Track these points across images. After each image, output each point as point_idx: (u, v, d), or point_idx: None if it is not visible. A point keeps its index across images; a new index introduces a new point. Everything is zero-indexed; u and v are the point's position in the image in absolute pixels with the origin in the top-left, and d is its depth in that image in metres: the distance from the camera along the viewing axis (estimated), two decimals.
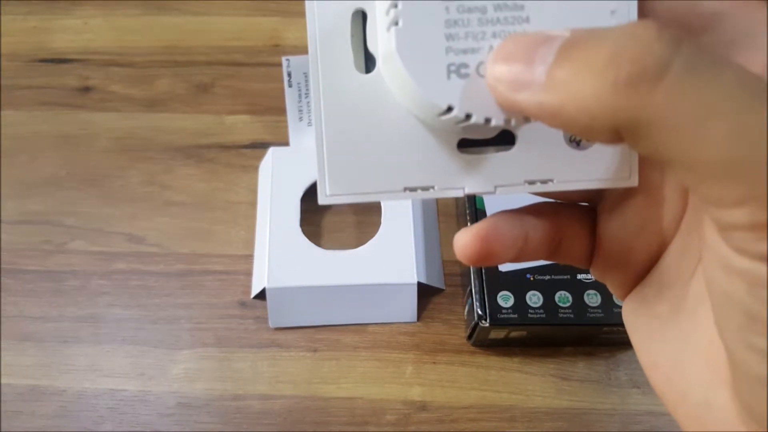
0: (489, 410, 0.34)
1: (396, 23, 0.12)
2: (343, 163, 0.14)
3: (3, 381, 0.35)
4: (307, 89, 0.37)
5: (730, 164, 0.10)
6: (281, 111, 0.40)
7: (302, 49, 0.45)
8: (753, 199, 0.10)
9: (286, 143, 0.39)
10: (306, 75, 0.36)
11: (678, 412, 0.14)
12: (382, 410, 0.34)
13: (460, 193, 0.14)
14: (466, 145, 0.14)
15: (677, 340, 0.14)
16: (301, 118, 0.38)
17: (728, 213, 0.10)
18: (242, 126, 0.43)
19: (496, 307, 0.32)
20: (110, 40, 0.46)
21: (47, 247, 0.39)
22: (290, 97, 0.37)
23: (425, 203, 0.38)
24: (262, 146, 0.41)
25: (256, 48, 0.46)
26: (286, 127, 0.38)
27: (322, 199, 0.14)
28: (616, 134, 0.11)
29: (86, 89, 0.44)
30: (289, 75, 0.36)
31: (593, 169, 0.14)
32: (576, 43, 0.11)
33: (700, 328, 0.13)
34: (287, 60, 0.36)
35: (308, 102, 0.38)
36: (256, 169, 0.41)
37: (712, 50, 0.10)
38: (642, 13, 0.13)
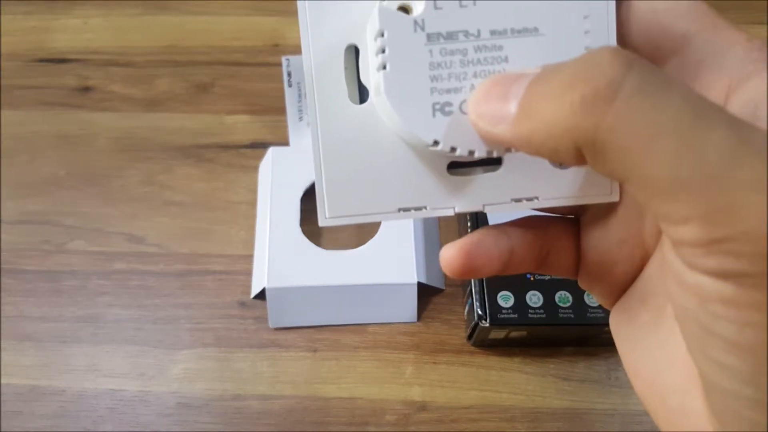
0: (489, 410, 0.34)
1: (384, 67, 0.13)
2: (341, 188, 0.15)
3: (3, 381, 0.35)
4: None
5: (674, 182, 0.10)
6: (281, 111, 0.40)
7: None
8: (696, 216, 0.10)
9: (286, 143, 0.39)
10: None
11: (658, 417, 0.15)
12: (382, 410, 0.34)
13: (450, 212, 0.15)
14: (455, 166, 0.15)
15: (657, 348, 0.14)
16: (301, 118, 0.38)
17: (676, 229, 0.11)
18: (242, 126, 0.43)
19: (496, 307, 0.32)
20: (110, 39, 0.46)
21: (47, 247, 0.39)
22: (290, 97, 0.37)
23: None
24: (262, 146, 0.41)
25: (256, 48, 0.46)
26: (286, 127, 0.38)
27: (322, 222, 0.15)
28: (578, 155, 0.11)
29: (86, 89, 0.44)
30: (289, 75, 0.36)
31: (576, 186, 0.15)
32: (542, 75, 0.12)
33: (678, 338, 0.14)
34: (287, 60, 0.36)
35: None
36: (255, 169, 0.41)
37: (665, 72, 0.11)
38: (619, 38, 0.14)
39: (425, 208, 0.15)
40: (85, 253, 0.38)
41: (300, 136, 0.39)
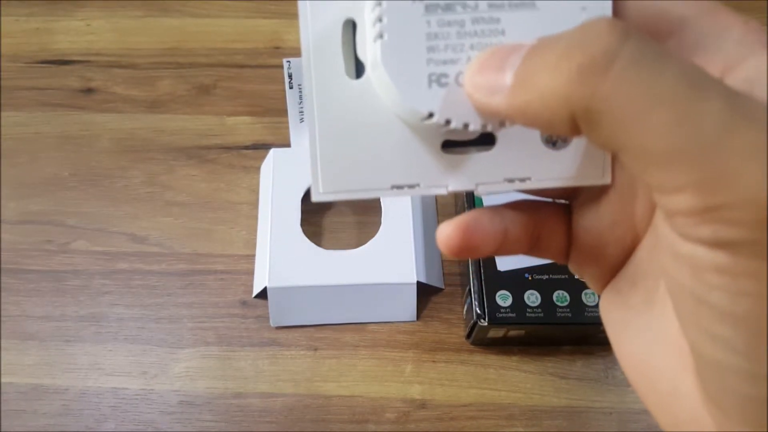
0: (488, 408, 0.34)
1: (381, 36, 0.13)
2: (335, 163, 0.15)
3: (5, 380, 0.35)
4: None
5: (670, 151, 0.10)
6: (282, 112, 0.41)
7: None
8: (692, 185, 0.10)
9: (287, 144, 0.40)
10: None
11: (648, 401, 0.15)
12: (382, 408, 0.34)
13: (443, 191, 0.15)
14: (449, 145, 0.15)
15: (648, 330, 0.15)
16: (302, 120, 0.38)
17: (670, 199, 0.11)
18: (243, 127, 0.43)
19: (494, 307, 0.32)
20: (112, 41, 0.47)
21: (49, 247, 0.39)
22: (291, 98, 0.37)
23: (425, 202, 0.39)
24: (263, 147, 0.42)
25: (257, 50, 0.46)
26: (287, 128, 0.39)
27: (315, 196, 0.15)
28: (573, 125, 0.11)
29: (88, 90, 0.45)
30: (290, 77, 0.37)
31: (568, 168, 0.15)
32: (538, 46, 0.12)
33: (669, 318, 0.14)
34: (288, 62, 0.36)
35: None
36: (257, 169, 0.41)
37: (660, 44, 0.11)
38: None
39: (418, 185, 0.15)
40: (88, 253, 0.39)
41: (301, 137, 0.39)
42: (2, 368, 0.35)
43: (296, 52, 0.46)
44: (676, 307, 0.13)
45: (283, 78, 0.37)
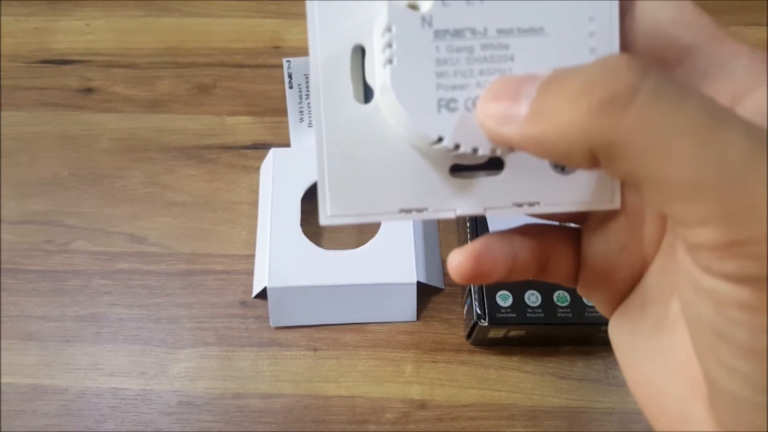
0: (488, 409, 0.34)
1: (391, 61, 0.13)
2: (343, 186, 0.15)
3: (5, 380, 0.35)
4: (308, 91, 0.37)
5: (693, 184, 0.10)
6: (282, 112, 0.40)
7: (303, 51, 0.45)
8: (715, 218, 0.10)
9: (287, 144, 0.40)
10: (306, 76, 0.37)
11: (658, 425, 0.15)
12: (381, 409, 0.34)
13: (452, 215, 0.15)
14: (458, 169, 0.15)
15: (658, 355, 0.15)
16: (301, 120, 0.38)
17: (693, 232, 0.11)
18: (243, 127, 0.43)
19: (494, 307, 0.32)
20: (112, 41, 0.47)
21: (49, 247, 0.39)
22: (291, 98, 0.37)
23: None
24: (263, 147, 0.42)
25: (257, 49, 0.46)
26: (287, 128, 0.39)
27: (323, 220, 0.15)
28: (592, 158, 0.11)
29: (88, 90, 0.45)
30: (290, 76, 0.36)
31: (577, 192, 0.15)
32: (555, 78, 0.12)
33: (680, 345, 0.14)
34: (288, 61, 0.36)
35: (309, 103, 0.38)
36: (257, 169, 0.41)
37: (679, 78, 0.11)
38: (623, 47, 0.14)
39: (426, 209, 0.15)
40: (87, 253, 0.39)
41: (301, 137, 0.39)
42: (2, 368, 0.35)
43: (296, 52, 0.46)
44: (694, 337, 0.13)
45: (283, 78, 0.36)
